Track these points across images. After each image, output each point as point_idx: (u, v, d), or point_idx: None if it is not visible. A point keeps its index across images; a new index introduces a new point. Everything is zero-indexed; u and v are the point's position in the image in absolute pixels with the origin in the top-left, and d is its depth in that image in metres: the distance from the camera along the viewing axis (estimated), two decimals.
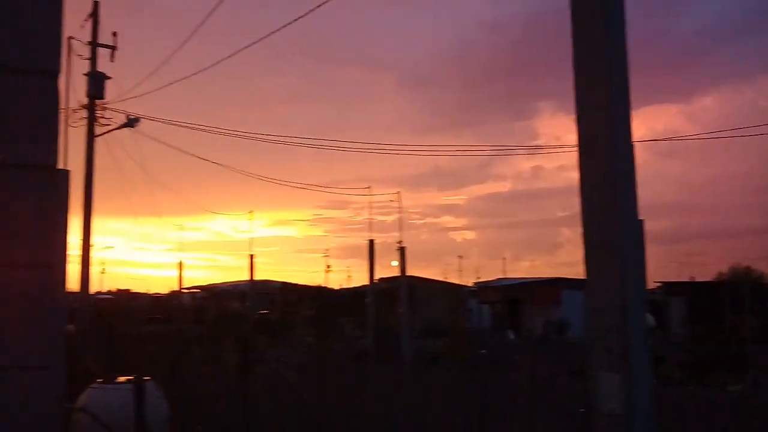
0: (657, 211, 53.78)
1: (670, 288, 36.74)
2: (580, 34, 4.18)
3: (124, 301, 43.90)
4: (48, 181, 1.73)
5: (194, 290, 50.17)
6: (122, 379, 5.53)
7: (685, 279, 40.44)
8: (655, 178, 59.99)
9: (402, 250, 30.22)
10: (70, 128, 20.61)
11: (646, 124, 54.80)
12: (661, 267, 52.22)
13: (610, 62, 4.08)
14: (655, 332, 25.95)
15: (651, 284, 34.23)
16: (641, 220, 4.27)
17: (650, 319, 17.14)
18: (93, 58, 21.47)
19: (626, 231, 4.00)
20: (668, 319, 34.39)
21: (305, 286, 53.53)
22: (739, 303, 24.81)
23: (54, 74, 1.74)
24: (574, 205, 4.12)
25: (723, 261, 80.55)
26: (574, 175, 4.12)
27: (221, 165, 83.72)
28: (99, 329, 13.96)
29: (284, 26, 14.81)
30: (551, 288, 39.84)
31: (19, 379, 1.60)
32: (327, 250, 65.21)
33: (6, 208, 1.67)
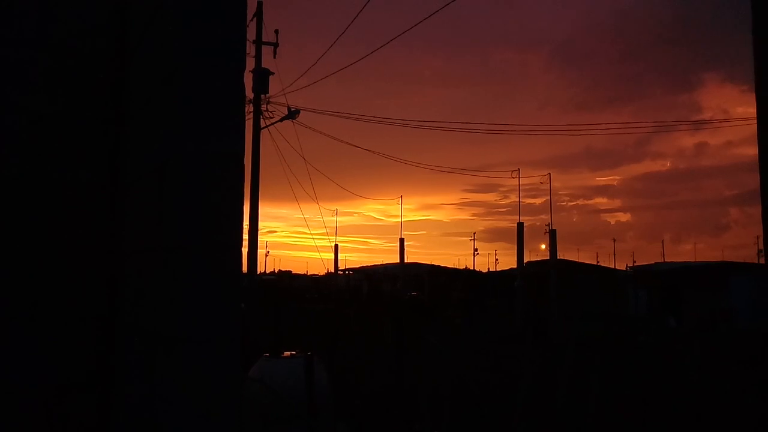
0: None
1: None
2: None
3: (286, 281, 46.31)
4: (236, 169, 1.89)
5: (348, 272, 52.06)
6: (287, 353, 5.86)
7: None
8: None
9: (552, 233, 29.46)
10: None
11: None
12: None
13: None
14: None
15: None
16: None
17: None
18: (258, 56, 22.62)
19: None
20: None
21: (453, 268, 53.76)
22: None
23: (240, 70, 1.89)
24: (745, 183, 3.82)
25: None
26: (745, 151, 3.82)
27: (372, 152, 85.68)
28: (265, 306, 14.97)
29: (433, 14, 14.81)
30: (717, 273, 37.08)
31: (213, 349, 1.78)
32: (474, 233, 65.07)
33: (202, 194, 1.84)
